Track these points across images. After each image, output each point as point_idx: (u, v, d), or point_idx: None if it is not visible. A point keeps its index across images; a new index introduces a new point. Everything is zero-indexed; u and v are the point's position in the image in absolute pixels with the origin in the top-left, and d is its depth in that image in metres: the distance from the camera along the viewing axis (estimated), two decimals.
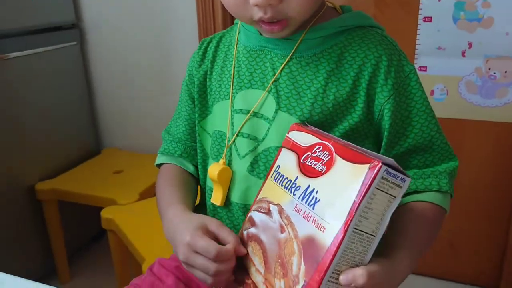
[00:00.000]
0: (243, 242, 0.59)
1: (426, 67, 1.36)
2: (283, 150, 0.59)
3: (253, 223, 0.58)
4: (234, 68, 0.69)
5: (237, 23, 0.74)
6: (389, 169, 0.45)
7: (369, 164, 0.46)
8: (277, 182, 0.57)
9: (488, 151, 1.39)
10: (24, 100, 1.50)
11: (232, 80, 0.68)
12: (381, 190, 0.46)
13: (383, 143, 0.63)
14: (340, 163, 0.50)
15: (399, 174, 0.46)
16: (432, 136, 0.65)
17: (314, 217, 0.49)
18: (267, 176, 0.60)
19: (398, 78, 0.62)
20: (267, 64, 0.66)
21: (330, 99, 0.62)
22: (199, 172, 0.76)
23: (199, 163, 0.75)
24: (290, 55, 0.64)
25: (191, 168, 0.76)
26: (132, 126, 1.83)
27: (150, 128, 1.76)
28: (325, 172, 0.51)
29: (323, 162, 0.52)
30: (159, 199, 0.72)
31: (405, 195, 0.63)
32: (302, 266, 0.48)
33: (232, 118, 0.67)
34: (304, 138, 0.57)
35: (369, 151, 0.50)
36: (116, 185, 1.50)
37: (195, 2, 1.51)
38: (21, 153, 1.50)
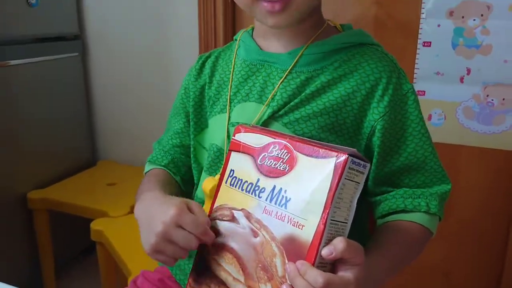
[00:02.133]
0: (210, 255, 0.57)
1: (424, 91, 1.36)
2: (233, 154, 0.58)
3: (217, 233, 0.56)
4: (232, 81, 0.68)
5: (235, 40, 0.74)
6: (354, 159, 0.48)
7: (335, 157, 0.47)
8: (235, 187, 0.56)
9: (485, 178, 1.37)
10: (23, 107, 1.50)
11: (229, 93, 0.68)
12: (349, 180, 0.48)
13: (374, 160, 0.63)
14: (303, 160, 0.50)
15: (361, 162, 0.49)
16: (426, 157, 0.64)
17: (289, 216, 0.49)
18: (220, 183, 0.59)
19: (396, 96, 0.62)
20: (266, 78, 0.65)
21: (324, 112, 0.61)
22: (193, 184, 0.75)
23: (195, 177, 0.74)
24: (289, 69, 0.64)
25: (177, 178, 0.76)
26: (130, 139, 1.83)
27: (147, 141, 1.74)
28: (289, 171, 0.51)
29: (284, 161, 0.52)
30: (139, 189, 0.70)
31: (393, 213, 0.63)
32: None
33: (229, 131, 0.66)
34: (254, 139, 0.56)
35: (326, 143, 0.51)
36: (108, 197, 1.49)
37: (197, 17, 1.53)
38: (16, 160, 1.49)
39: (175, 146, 0.76)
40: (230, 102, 0.67)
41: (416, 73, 1.36)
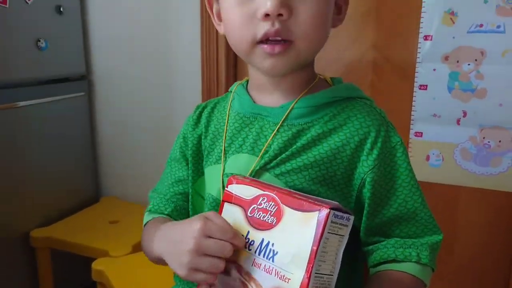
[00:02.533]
0: None
1: (422, 132, 1.39)
2: (226, 205, 0.60)
3: (211, 284, 0.57)
4: (226, 133, 0.71)
5: (230, 92, 0.77)
6: (336, 212, 0.49)
7: (318, 211, 0.49)
8: None
9: (483, 219, 1.38)
10: (28, 146, 1.54)
11: (224, 144, 0.70)
12: (333, 233, 0.49)
13: (365, 211, 0.64)
14: (288, 213, 0.52)
15: (344, 215, 0.50)
16: (416, 208, 0.65)
17: (275, 269, 0.51)
18: None
19: (384, 149, 0.64)
20: (259, 130, 0.68)
21: (314, 164, 0.63)
22: None
23: None
24: (280, 122, 0.66)
25: None
26: (132, 176, 1.85)
27: (150, 179, 1.77)
28: (276, 224, 0.52)
29: (271, 213, 0.53)
30: (146, 238, 0.70)
31: (384, 262, 0.64)
32: None
33: (223, 182, 0.68)
34: (245, 191, 0.58)
35: (312, 196, 0.53)
36: (110, 236, 1.50)
37: (200, 61, 1.58)
38: (21, 198, 1.52)
39: (177, 194, 0.77)
40: (225, 153, 0.69)
41: (413, 115, 1.39)
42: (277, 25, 0.58)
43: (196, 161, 0.75)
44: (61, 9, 1.58)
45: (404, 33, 1.36)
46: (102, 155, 1.89)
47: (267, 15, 0.58)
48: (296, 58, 0.62)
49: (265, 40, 0.60)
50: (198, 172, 0.75)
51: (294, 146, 0.64)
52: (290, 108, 0.66)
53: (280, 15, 0.58)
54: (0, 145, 1.45)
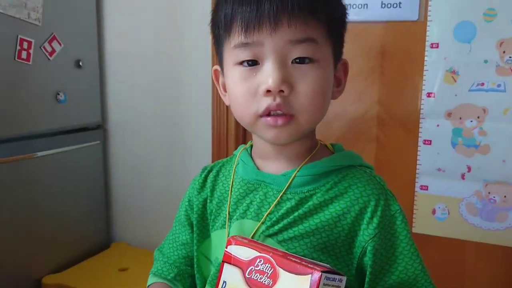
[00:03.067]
0: None
1: (427, 186, 1.41)
2: (226, 266, 0.61)
3: None
4: (231, 198, 0.73)
5: (235, 155, 0.79)
6: (328, 275, 0.51)
7: (311, 275, 0.51)
8: None
9: (489, 274, 1.37)
10: (43, 193, 1.59)
11: (228, 210, 0.73)
12: None
13: (367, 278, 0.66)
14: (284, 276, 0.53)
15: (336, 276, 0.52)
16: (417, 275, 0.67)
17: None
18: None
19: (384, 217, 0.66)
20: (263, 197, 0.70)
21: (316, 232, 0.65)
22: None
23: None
24: (284, 190, 0.69)
25: None
26: (143, 222, 1.88)
27: (161, 226, 1.81)
28: (272, 285, 0.54)
29: (268, 275, 0.55)
30: None
31: None
32: None
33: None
34: (244, 252, 0.59)
35: (306, 259, 0.54)
36: (119, 285, 1.52)
37: (211, 119, 1.64)
38: (33, 244, 1.56)
39: (181, 258, 0.79)
40: (229, 219, 0.72)
41: (418, 169, 1.41)
42: (278, 100, 0.61)
43: (201, 224, 0.77)
44: (80, 63, 1.67)
45: (408, 90, 1.41)
46: (115, 202, 1.93)
47: (268, 91, 0.61)
48: (298, 129, 0.65)
49: (267, 113, 0.63)
50: (203, 235, 0.77)
51: (297, 213, 0.67)
52: (292, 177, 0.69)
53: (281, 91, 0.61)
54: (17, 192, 1.50)
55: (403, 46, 1.40)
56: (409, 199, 1.42)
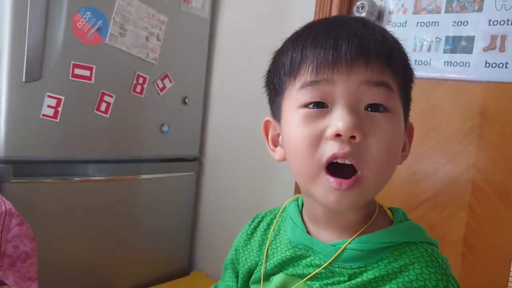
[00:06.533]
0: None
1: None
2: None
3: None
4: (275, 258, 0.68)
5: (286, 209, 0.74)
6: None
7: None
8: None
9: None
10: (138, 213, 1.74)
11: (263, 266, 0.69)
12: None
13: None
14: None
15: None
16: None
17: None
18: None
19: None
20: (309, 264, 0.64)
21: None
22: None
23: None
24: (330, 261, 0.61)
25: None
26: (224, 255, 1.93)
27: None
28: None
29: None
30: None
31: None
32: None
33: None
34: None
35: None
36: None
37: None
38: (117, 260, 1.70)
39: None
40: (265, 276, 0.68)
41: None
42: (346, 148, 0.54)
43: (245, 275, 0.74)
44: (186, 100, 1.83)
45: (509, 156, 1.28)
46: (200, 231, 2.02)
47: (338, 135, 0.54)
48: (363, 194, 0.57)
49: (331, 164, 0.55)
50: (246, 285, 0.74)
51: None
52: (340, 250, 0.60)
53: (352, 137, 0.54)
54: (117, 208, 1.68)
55: (508, 109, 1.28)
56: (503, 280, 1.25)
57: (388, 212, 0.67)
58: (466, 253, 1.32)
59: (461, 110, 1.35)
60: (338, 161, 0.55)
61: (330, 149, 0.55)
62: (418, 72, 1.37)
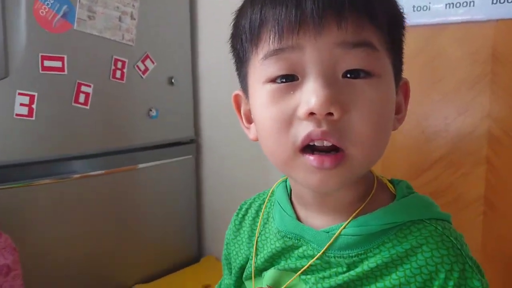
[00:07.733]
0: None
1: None
2: None
3: None
4: (265, 251, 0.61)
5: (274, 192, 0.67)
6: None
7: None
8: None
9: None
10: (139, 202, 1.67)
11: (254, 261, 0.62)
12: None
13: None
14: None
15: None
16: None
17: None
18: None
19: None
20: (301, 255, 0.56)
21: None
22: None
23: None
24: (323, 250, 0.53)
25: None
26: None
27: None
28: None
29: None
30: None
31: None
32: None
33: None
34: None
35: None
36: None
37: None
38: (124, 252, 1.64)
39: None
40: (256, 270, 0.62)
41: None
42: (324, 127, 0.45)
43: (237, 271, 0.68)
44: (173, 80, 1.71)
45: None
46: (206, 215, 1.95)
47: (311, 113, 0.45)
48: (352, 172, 0.49)
49: (308, 145, 0.47)
50: (240, 281, 0.68)
51: (341, 279, 0.52)
52: (335, 235, 0.53)
53: (329, 114, 0.45)
54: (119, 202, 1.61)
55: None
56: None
57: (389, 185, 0.58)
58: (487, 212, 1.21)
59: (468, 55, 1.21)
60: (316, 144, 0.47)
61: (305, 129, 0.47)
62: (417, 19, 1.24)
